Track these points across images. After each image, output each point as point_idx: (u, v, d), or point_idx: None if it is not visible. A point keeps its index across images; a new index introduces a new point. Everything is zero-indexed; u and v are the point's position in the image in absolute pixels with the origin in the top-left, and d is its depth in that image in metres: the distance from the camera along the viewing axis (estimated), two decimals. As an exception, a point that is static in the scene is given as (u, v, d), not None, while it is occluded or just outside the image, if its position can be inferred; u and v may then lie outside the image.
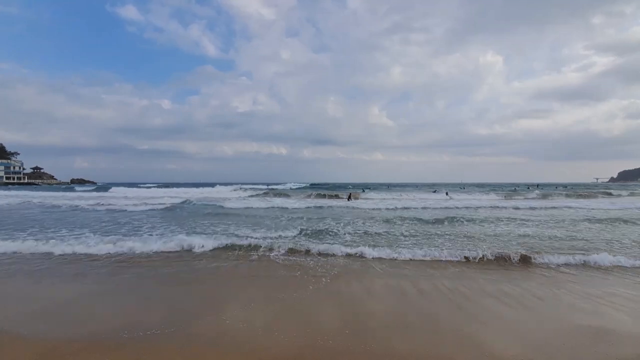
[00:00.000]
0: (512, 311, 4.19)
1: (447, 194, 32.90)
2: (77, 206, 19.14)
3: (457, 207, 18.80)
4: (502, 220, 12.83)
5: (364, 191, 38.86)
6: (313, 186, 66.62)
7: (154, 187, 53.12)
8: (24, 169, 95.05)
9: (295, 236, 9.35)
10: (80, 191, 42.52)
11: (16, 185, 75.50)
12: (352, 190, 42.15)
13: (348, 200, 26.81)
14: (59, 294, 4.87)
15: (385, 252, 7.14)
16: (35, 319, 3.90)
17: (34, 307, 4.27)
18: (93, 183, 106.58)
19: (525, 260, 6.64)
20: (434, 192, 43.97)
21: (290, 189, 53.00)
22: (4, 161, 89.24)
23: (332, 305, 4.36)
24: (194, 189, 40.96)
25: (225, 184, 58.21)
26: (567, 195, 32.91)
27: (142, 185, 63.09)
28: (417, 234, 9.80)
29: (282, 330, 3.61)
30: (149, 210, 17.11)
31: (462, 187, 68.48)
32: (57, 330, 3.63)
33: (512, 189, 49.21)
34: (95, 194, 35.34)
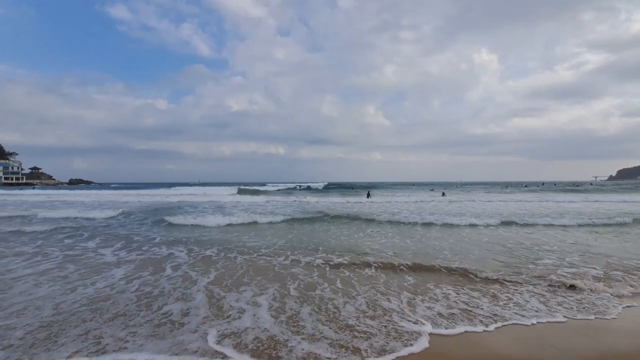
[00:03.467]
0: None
1: (443, 194, 32.52)
2: None
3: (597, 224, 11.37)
4: None
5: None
6: (335, 186, 66.54)
7: (124, 187, 51.81)
8: (22, 169, 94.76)
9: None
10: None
11: (15, 186, 75.26)
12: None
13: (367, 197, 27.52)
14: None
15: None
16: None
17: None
18: (89, 183, 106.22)
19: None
20: (431, 190, 44.35)
21: (298, 188, 52.70)
22: (3, 161, 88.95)
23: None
24: (149, 191, 36.43)
25: (226, 185, 58.06)
26: None
27: (113, 185, 61.78)
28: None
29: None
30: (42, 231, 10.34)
31: (459, 185, 69.06)
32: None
33: (505, 186, 49.77)
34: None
